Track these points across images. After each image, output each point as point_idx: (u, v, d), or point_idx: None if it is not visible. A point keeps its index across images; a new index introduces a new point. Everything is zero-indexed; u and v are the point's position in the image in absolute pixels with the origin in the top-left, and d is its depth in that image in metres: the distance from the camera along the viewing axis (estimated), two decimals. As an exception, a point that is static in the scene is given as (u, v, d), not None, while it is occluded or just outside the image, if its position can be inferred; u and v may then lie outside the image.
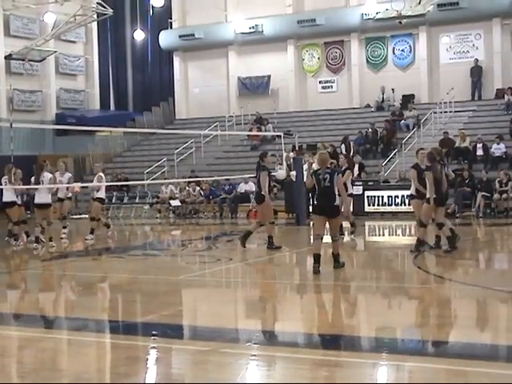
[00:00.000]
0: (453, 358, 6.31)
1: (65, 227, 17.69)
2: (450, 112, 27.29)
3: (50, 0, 29.64)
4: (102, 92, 37.32)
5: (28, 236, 16.70)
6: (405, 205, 20.70)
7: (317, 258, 10.77)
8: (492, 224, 19.63)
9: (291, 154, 22.94)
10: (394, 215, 21.54)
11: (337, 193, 10.90)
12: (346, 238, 15.92)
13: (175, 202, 25.27)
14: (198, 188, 25.24)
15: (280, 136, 22.08)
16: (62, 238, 17.25)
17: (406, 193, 17.41)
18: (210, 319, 8.36)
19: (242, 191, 24.38)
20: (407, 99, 29.00)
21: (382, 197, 21.98)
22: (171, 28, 34.31)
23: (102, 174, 17.58)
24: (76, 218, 24.38)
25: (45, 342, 7.46)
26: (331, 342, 7.18)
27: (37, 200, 15.86)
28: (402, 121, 27.53)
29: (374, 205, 22.10)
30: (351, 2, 30.61)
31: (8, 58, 31.12)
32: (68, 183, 17.29)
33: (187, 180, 25.08)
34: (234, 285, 11.34)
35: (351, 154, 24.88)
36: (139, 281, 11.30)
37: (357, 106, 30.71)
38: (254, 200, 17.12)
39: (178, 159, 28.42)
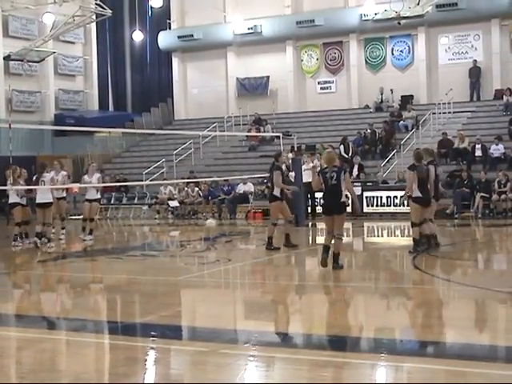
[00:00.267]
0: (451, 359, 6.32)
1: (63, 228, 17.72)
2: (449, 113, 27.30)
3: (48, 1, 29.58)
4: (101, 93, 37.31)
5: (27, 237, 16.68)
6: (403, 205, 20.67)
7: (326, 250, 11.09)
8: (491, 225, 19.63)
9: (290, 155, 22.96)
10: (393, 216, 21.55)
11: (344, 191, 11.07)
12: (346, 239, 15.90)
13: (174, 203, 25.27)
14: (196, 189, 25.22)
15: (279, 137, 22.12)
16: (60, 239, 17.33)
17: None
18: (208, 320, 8.36)
19: (241, 192, 24.33)
20: (406, 100, 28.99)
21: (381, 197, 22.00)
22: (170, 29, 34.29)
23: (99, 175, 17.67)
24: (75, 219, 24.33)
25: (44, 342, 7.45)
26: (330, 342, 7.19)
27: (38, 199, 15.91)
28: (401, 121, 27.52)
29: (372, 205, 22.11)
30: (350, 3, 30.59)
31: (7, 58, 31.10)
32: (63, 182, 17.33)
33: (186, 181, 25.06)
34: (232, 286, 11.32)
35: (350, 154, 24.91)
36: (138, 281, 11.30)
37: (355, 107, 30.70)
38: (268, 199, 16.57)
39: (176, 160, 28.41)
